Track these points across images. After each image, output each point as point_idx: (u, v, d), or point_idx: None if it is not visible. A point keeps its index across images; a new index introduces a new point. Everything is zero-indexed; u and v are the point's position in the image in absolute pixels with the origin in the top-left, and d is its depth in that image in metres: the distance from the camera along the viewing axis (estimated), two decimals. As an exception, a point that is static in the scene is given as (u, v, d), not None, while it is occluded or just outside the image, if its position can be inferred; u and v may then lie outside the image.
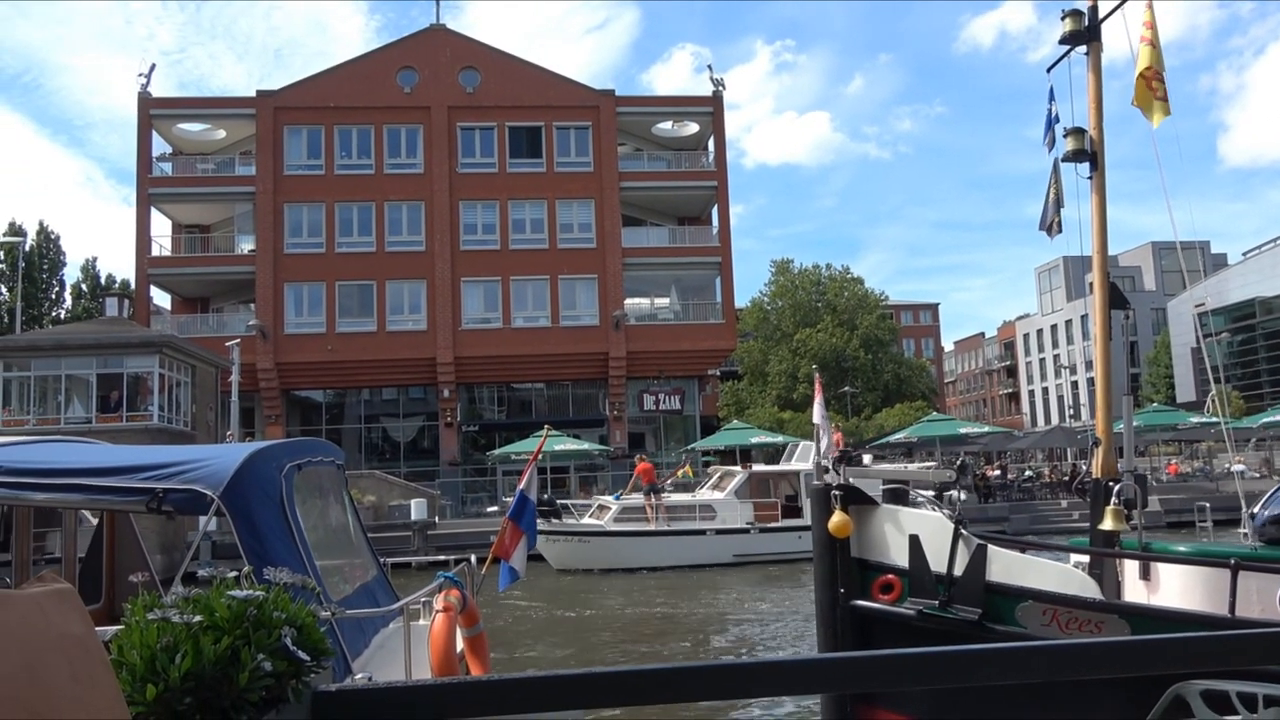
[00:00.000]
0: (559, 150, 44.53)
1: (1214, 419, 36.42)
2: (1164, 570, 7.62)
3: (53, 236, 50.07)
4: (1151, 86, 8.87)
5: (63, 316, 48.55)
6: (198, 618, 2.13)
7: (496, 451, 37.74)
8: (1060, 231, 9.58)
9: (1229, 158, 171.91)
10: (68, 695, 1.65)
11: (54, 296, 50.38)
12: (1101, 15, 9.36)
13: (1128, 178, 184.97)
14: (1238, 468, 33.33)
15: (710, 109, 46.51)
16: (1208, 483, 38.89)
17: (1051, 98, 9.51)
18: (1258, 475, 39.26)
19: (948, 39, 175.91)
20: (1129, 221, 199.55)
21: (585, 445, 37.02)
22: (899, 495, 7.93)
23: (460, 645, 6.07)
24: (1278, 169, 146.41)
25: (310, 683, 2.29)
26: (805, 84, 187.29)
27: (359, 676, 4.61)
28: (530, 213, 43.91)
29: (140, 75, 42.00)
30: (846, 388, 65.15)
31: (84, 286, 51.34)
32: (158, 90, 44.75)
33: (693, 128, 47.72)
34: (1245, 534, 8.90)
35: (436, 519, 33.56)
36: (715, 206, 47.06)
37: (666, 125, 47.79)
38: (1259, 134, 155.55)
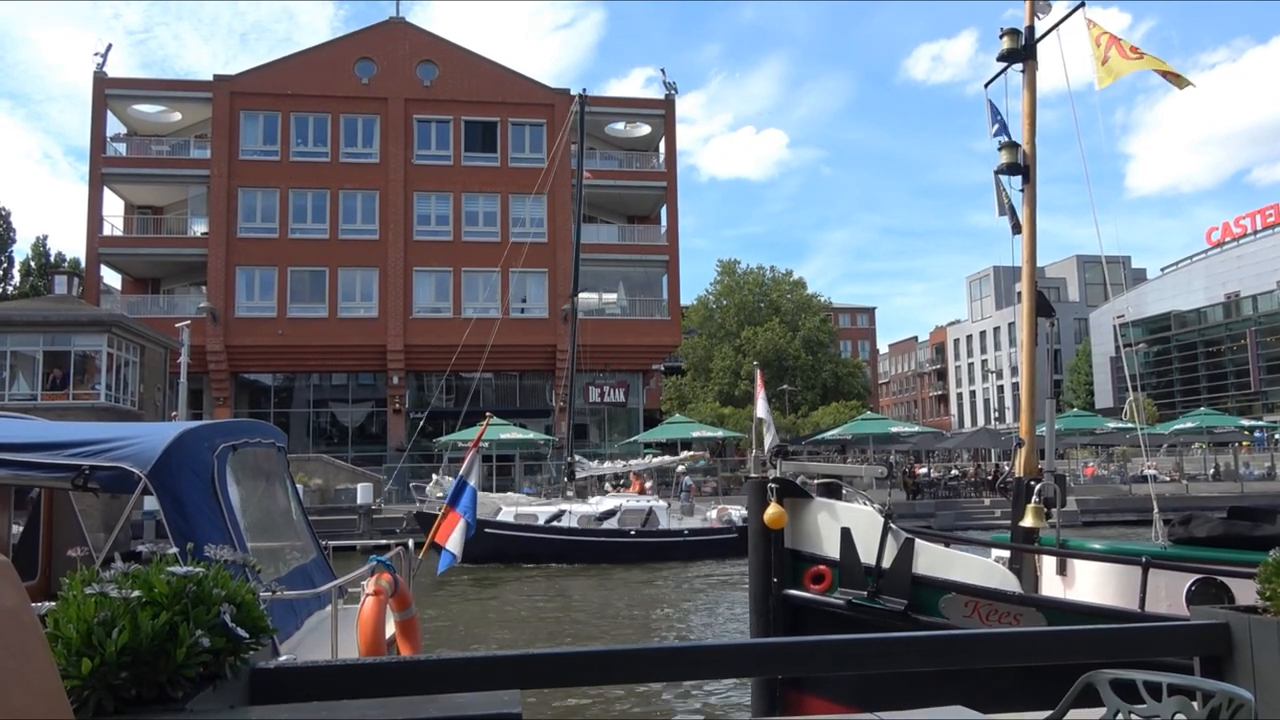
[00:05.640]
0: (513, 146, 45.24)
1: (1130, 425, 37.92)
2: (1080, 566, 7.78)
3: (3, 213, 49.19)
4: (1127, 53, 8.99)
5: (10, 293, 47.78)
6: (136, 593, 2.09)
7: (443, 439, 38.37)
8: (1020, 233, 9.63)
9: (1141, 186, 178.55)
10: None
11: (1, 273, 49.47)
12: (1038, 35, 9.67)
13: (1063, 191, 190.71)
14: (1150, 472, 35.00)
15: (662, 112, 47.53)
16: (1122, 485, 40.36)
17: (995, 112, 9.77)
18: (1168, 479, 40.64)
19: (900, 55, 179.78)
20: (1058, 234, 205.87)
21: (531, 435, 37.68)
22: (833, 489, 8.01)
23: (392, 629, 6.11)
24: (1177, 195, 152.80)
25: (249, 660, 2.30)
26: (761, 92, 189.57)
27: (284, 658, 4.43)
28: (483, 206, 44.59)
29: (96, 54, 41.75)
30: (785, 386, 66.87)
31: (33, 264, 50.42)
32: (121, 69, 44.54)
33: (645, 129, 48.67)
34: (1156, 534, 9.23)
35: (382, 503, 34.07)
36: (664, 207, 48.20)
37: (620, 126, 48.69)
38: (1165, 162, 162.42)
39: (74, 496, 6.66)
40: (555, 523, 26.20)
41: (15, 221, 50.30)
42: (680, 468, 32.17)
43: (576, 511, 26.66)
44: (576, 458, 30.65)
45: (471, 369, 45.65)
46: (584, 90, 33.34)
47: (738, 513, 28.00)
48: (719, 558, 25.56)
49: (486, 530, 24.17)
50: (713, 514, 28.49)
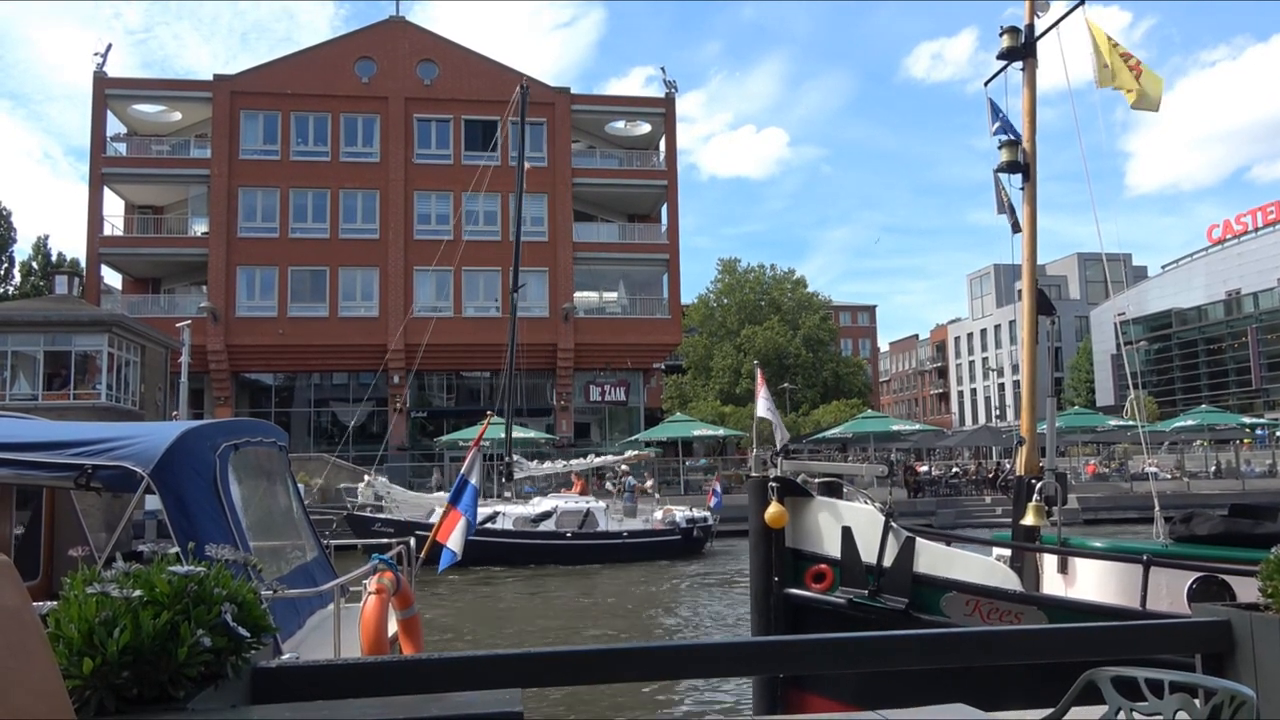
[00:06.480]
0: (514, 144, 45.19)
1: (1131, 423, 37.80)
2: (1081, 564, 7.77)
3: (4, 213, 49.15)
4: (1131, 66, 9.22)
5: (11, 293, 47.81)
6: (137, 592, 2.08)
7: (444, 438, 38.37)
8: (1020, 232, 9.64)
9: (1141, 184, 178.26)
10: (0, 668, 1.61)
11: (2, 273, 49.47)
12: (1038, 33, 9.78)
13: (1064, 189, 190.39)
14: (1151, 469, 35.01)
15: (662, 110, 47.50)
16: (1123, 483, 40.28)
17: (996, 110, 9.83)
18: (1169, 477, 40.66)
19: (901, 54, 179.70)
20: (1058, 232, 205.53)
21: (532, 434, 37.64)
22: (833, 488, 7.99)
23: (394, 627, 6.14)
24: (1177, 192, 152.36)
25: (250, 659, 2.30)
26: (761, 91, 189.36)
27: (287, 656, 4.44)
28: (484, 205, 44.54)
29: (96, 54, 41.78)
30: (786, 384, 66.84)
31: (34, 264, 50.46)
32: (121, 69, 44.62)
33: (645, 128, 48.66)
34: (1157, 532, 9.28)
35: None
36: (665, 205, 48.16)
37: (620, 124, 48.68)
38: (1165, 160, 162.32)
39: (75, 496, 6.66)
40: (489, 524, 24.54)
41: (16, 221, 50.38)
42: (623, 467, 31.84)
43: (511, 513, 25.49)
44: (515, 458, 29.60)
45: (472, 368, 45.79)
46: (524, 83, 33.42)
47: (682, 514, 27.32)
48: (660, 560, 24.90)
49: (417, 533, 22.87)
50: (658, 515, 27.64)
